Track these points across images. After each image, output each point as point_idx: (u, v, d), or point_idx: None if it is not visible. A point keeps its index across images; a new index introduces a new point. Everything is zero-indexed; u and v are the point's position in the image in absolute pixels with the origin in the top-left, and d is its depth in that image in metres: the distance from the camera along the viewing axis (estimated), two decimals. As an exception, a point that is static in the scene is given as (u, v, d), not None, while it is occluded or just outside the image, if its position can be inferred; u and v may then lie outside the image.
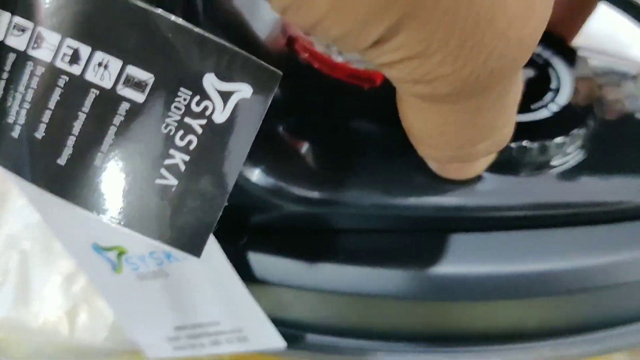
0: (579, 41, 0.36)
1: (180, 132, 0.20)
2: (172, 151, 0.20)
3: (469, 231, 0.31)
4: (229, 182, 0.20)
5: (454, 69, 0.19)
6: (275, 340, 0.31)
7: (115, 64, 0.19)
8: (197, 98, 0.19)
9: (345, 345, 0.33)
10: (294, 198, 0.31)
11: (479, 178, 0.31)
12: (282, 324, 0.32)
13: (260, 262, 0.32)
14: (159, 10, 0.19)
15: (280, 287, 0.32)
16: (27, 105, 0.21)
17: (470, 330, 0.33)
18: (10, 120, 0.21)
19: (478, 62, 0.19)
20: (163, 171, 0.20)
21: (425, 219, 0.32)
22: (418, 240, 0.32)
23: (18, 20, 0.20)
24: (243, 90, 0.20)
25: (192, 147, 0.20)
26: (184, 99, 0.19)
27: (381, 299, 0.31)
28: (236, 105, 0.20)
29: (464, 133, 0.24)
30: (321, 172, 0.31)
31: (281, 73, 0.20)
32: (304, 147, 0.32)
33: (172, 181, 0.20)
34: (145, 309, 0.32)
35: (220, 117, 0.20)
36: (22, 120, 0.21)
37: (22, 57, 0.20)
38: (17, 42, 0.20)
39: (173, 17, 0.19)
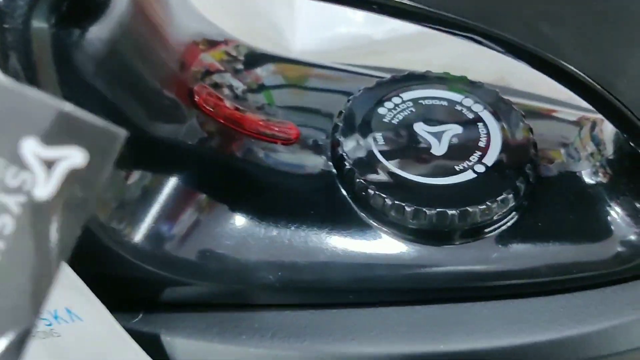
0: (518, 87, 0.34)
1: (-7, 213, 0.17)
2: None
3: (388, 305, 0.28)
4: (53, 272, 0.17)
5: None
6: None
7: None
8: (13, 169, 0.16)
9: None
10: (186, 271, 0.28)
11: (397, 248, 0.28)
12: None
13: (157, 342, 0.28)
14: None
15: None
16: None
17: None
18: None
19: None
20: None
21: (338, 292, 0.28)
22: (327, 316, 0.28)
23: None
24: (74, 157, 0.17)
25: (7, 231, 0.16)
26: None
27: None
28: (65, 177, 0.17)
29: None
30: (216, 241, 0.28)
31: (125, 133, 0.17)
32: (199, 214, 0.29)
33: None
34: None
35: (43, 191, 0.16)
36: None
37: None
38: None
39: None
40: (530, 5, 0.22)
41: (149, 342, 0.28)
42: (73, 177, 0.17)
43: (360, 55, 0.42)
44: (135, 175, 0.28)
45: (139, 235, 0.27)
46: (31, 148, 0.16)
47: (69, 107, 0.17)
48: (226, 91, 0.32)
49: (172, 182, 0.28)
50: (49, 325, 0.27)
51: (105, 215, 0.27)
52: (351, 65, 0.35)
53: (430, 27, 0.24)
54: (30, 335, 0.17)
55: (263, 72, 0.34)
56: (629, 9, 0.22)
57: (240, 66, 0.33)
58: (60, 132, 0.16)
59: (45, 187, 0.16)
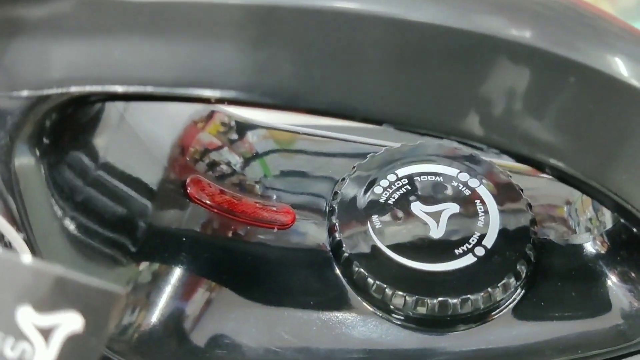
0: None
1: (-6, 385, 0.16)
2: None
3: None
4: None
5: None
6: None
7: None
8: (10, 340, 0.16)
9: None
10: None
11: (399, 335, 0.28)
12: None
13: None
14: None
15: None
16: None
17: None
18: None
19: None
20: None
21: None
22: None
23: None
24: (70, 322, 0.16)
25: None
26: None
27: None
28: (63, 342, 0.16)
29: None
30: (216, 334, 0.28)
31: (124, 292, 0.16)
32: (197, 308, 0.28)
33: None
34: None
35: (43, 359, 0.16)
36: None
37: None
38: None
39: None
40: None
41: None
42: (72, 342, 0.16)
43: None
44: (134, 276, 0.28)
45: (140, 337, 0.27)
46: (27, 317, 0.16)
47: (61, 270, 0.16)
48: (224, 168, 0.32)
49: (169, 279, 0.28)
50: None
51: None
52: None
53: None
54: None
55: (254, 139, 0.33)
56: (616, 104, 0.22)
57: (235, 136, 0.33)
58: (55, 298, 0.16)
59: (44, 356, 0.16)
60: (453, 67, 0.20)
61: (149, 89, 0.19)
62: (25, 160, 0.21)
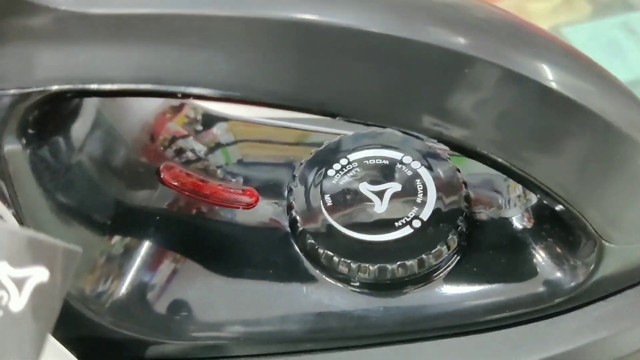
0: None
1: (-23, 325, 0.20)
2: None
3: (342, 349, 0.32)
4: None
5: None
6: None
7: None
8: (-10, 288, 0.20)
9: None
10: (159, 332, 0.31)
11: (347, 298, 0.32)
12: None
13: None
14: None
15: None
16: None
17: None
18: None
19: None
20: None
21: (297, 341, 0.32)
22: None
23: None
24: (39, 275, 0.20)
25: (-9, 338, 0.20)
26: None
27: None
28: (33, 291, 0.20)
29: None
30: (192, 303, 0.32)
31: (80, 250, 0.20)
32: (167, 280, 0.32)
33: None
34: None
35: (17, 304, 0.20)
36: None
37: None
38: None
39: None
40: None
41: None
42: (40, 291, 0.20)
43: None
44: (108, 248, 0.32)
45: (113, 302, 0.31)
46: (3, 270, 0.20)
47: (32, 233, 0.20)
48: (190, 154, 0.36)
49: (141, 252, 0.32)
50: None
51: (82, 286, 0.30)
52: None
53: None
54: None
55: (218, 131, 0.37)
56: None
57: (199, 127, 0.37)
58: (26, 255, 0.20)
59: (18, 301, 0.20)
60: (400, 70, 0.24)
61: (106, 87, 0.23)
62: (13, 148, 0.26)
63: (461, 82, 0.24)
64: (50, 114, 0.27)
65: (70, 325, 0.26)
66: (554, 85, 0.24)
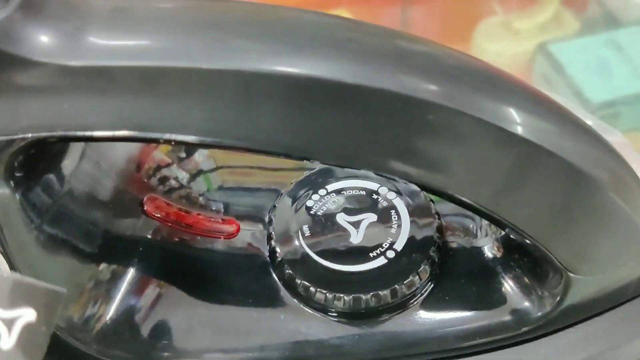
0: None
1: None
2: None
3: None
4: None
5: None
6: None
7: None
8: (-19, 330, 0.21)
9: None
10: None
11: (323, 327, 0.33)
12: None
13: None
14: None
15: None
16: None
17: None
18: None
19: None
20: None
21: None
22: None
23: None
24: (26, 315, 0.21)
25: (-19, 376, 0.21)
26: None
27: None
28: (22, 331, 0.21)
29: None
30: (167, 332, 0.33)
31: (64, 291, 0.22)
32: (150, 310, 0.33)
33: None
34: None
35: (6, 343, 0.21)
36: None
37: None
38: None
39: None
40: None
41: None
42: (28, 330, 0.21)
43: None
44: (94, 277, 0.33)
45: (99, 330, 0.32)
46: (-6, 312, 0.21)
47: (18, 276, 0.21)
48: (173, 182, 0.37)
49: (125, 281, 0.33)
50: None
51: (69, 315, 0.31)
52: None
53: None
54: None
55: (200, 158, 0.39)
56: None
57: (183, 154, 0.39)
58: (14, 297, 0.21)
59: (8, 341, 0.21)
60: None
61: (87, 134, 0.25)
62: (1, 191, 0.27)
63: (424, 128, 0.25)
64: (36, 157, 0.28)
65: (58, 356, 0.28)
66: (516, 129, 0.26)
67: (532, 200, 0.28)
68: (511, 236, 0.32)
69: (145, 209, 0.34)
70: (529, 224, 0.29)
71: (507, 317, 0.33)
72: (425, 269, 0.33)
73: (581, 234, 0.29)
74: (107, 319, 0.32)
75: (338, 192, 0.36)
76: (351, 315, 0.33)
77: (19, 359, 0.21)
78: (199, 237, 0.35)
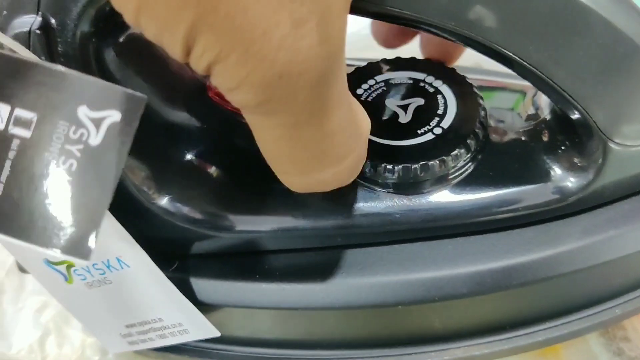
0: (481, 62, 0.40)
1: (63, 158, 0.24)
2: (57, 174, 0.24)
3: (369, 246, 0.36)
4: (108, 194, 0.24)
5: (247, 71, 0.23)
6: (211, 331, 0.36)
7: (5, 109, 0.24)
8: (74, 127, 0.24)
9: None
10: (213, 227, 0.35)
11: (375, 198, 0.35)
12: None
13: (190, 285, 0.36)
14: (36, 60, 0.24)
15: (209, 307, 0.36)
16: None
17: (404, 332, 0.36)
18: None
19: (265, 66, 0.22)
20: (51, 192, 0.24)
21: (328, 237, 0.36)
22: (343, 255, 0.35)
23: None
24: (113, 116, 0.24)
25: (73, 168, 0.24)
26: (63, 130, 0.23)
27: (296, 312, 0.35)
28: (108, 129, 0.24)
29: (299, 155, 0.27)
30: (236, 202, 0.36)
31: (145, 97, 0.24)
32: (220, 181, 0.36)
33: (59, 199, 0.24)
34: (98, 311, 0.36)
35: (95, 140, 0.24)
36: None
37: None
38: None
39: (47, 64, 0.24)
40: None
41: (183, 285, 0.35)
42: (113, 129, 0.24)
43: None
44: (162, 149, 0.36)
45: (168, 197, 0.35)
46: (84, 113, 0.24)
47: (107, 82, 0.24)
48: None
49: (189, 157, 0.36)
50: (103, 274, 0.34)
51: (139, 180, 0.34)
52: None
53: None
54: (95, 236, 0.24)
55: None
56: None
57: None
58: (102, 99, 0.24)
59: (96, 138, 0.24)
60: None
61: None
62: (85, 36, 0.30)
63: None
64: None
65: (128, 216, 0.30)
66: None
67: (576, 58, 0.29)
68: (555, 115, 0.34)
69: (208, 93, 0.37)
70: (572, 83, 0.30)
71: (549, 191, 0.34)
72: (470, 143, 0.35)
73: (620, 95, 0.31)
74: (175, 187, 0.35)
75: (386, 81, 0.38)
76: (400, 187, 0.35)
77: (106, 154, 0.24)
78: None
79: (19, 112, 0.24)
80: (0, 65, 0.24)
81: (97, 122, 0.24)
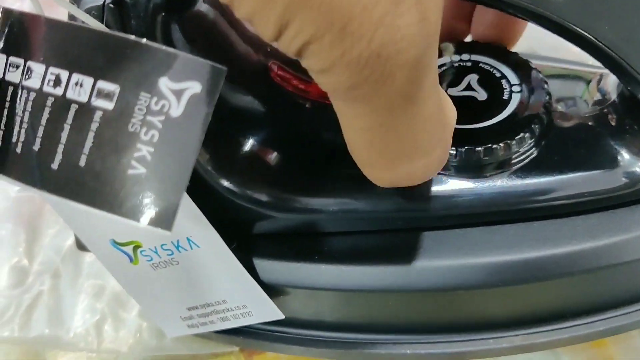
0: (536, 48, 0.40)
1: (145, 129, 0.24)
2: (139, 145, 0.24)
3: (430, 230, 0.35)
4: (189, 165, 0.24)
5: (343, 50, 0.22)
6: (275, 313, 0.36)
7: (88, 81, 0.24)
8: (155, 99, 0.24)
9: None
10: (276, 207, 0.35)
11: (438, 181, 0.35)
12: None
13: (249, 264, 0.36)
14: (117, 33, 0.24)
15: (268, 287, 0.36)
16: (25, 126, 0.26)
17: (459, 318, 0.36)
18: (14, 139, 0.26)
19: (362, 44, 0.21)
20: (134, 163, 0.24)
21: (388, 220, 0.35)
22: (404, 238, 0.35)
23: (12, 59, 0.26)
24: (194, 87, 0.24)
25: (155, 139, 0.24)
26: (145, 101, 0.24)
27: (357, 294, 0.35)
28: (189, 100, 0.24)
29: (390, 145, 0.26)
30: (299, 183, 0.36)
31: (225, 69, 0.24)
32: (283, 162, 0.36)
33: (142, 170, 0.24)
34: (160, 293, 0.37)
35: (176, 112, 0.24)
36: (22, 138, 0.26)
37: (18, 88, 0.26)
38: (13, 76, 0.26)
39: (129, 37, 0.24)
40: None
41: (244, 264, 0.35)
42: (194, 100, 0.24)
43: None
44: (226, 129, 0.36)
45: (233, 177, 0.35)
46: (165, 84, 0.24)
47: (189, 54, 0.24)
48: None
49: (254, 137, 0.36)
50: (171, 254, 0.34)
51: (205, 160, 0.34)
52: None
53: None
54: (177, 207, 0.24)
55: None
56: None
57: None
58: (183, 71, 0.24)
59: (177, 109, 0.24)
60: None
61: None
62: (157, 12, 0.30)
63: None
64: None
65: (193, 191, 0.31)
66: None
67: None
68: (622, 100, 0.34)
69: (270, 73, 0.37)
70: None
71: (617, 176, 0.34)
72: (534, 127, 0.34)
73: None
74: (240, 168, 0.36)
75: (450, 64, 0.38)
76: (463, 170, 0.35)
77: (187, 125, 0.24)
78: (316, 103, 0.37)
79: (102, 84, 0.24)
80: (82, 38, 0.24)
81: (178, 94, 0.24)
